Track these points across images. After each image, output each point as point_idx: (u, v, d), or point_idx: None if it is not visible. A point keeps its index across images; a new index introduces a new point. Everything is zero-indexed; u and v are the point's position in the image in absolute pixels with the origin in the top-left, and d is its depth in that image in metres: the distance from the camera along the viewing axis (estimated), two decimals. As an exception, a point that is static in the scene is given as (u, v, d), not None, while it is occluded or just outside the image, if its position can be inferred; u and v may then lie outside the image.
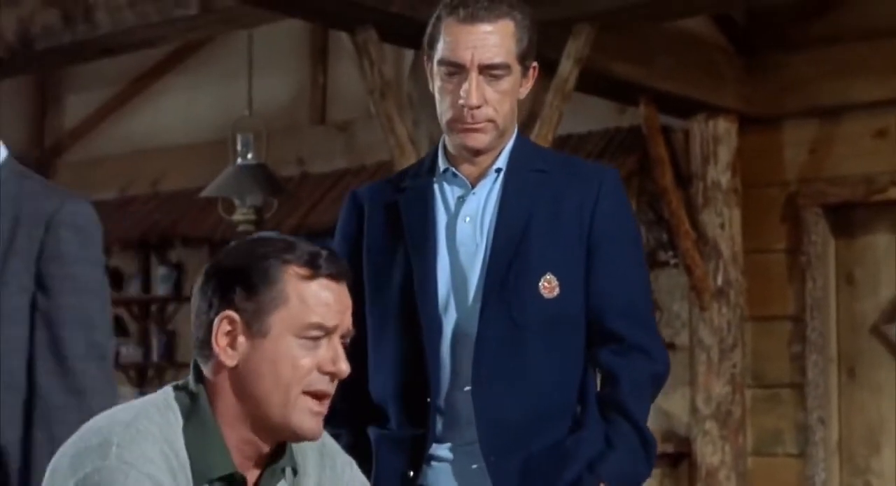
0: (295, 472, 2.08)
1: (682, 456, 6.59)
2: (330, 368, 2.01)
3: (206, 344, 2.01)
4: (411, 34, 4.49)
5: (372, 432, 2.69)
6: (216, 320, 1.99)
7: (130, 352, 8.76)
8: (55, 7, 6.09)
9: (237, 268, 2.00)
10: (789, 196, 6.52)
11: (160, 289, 8.69)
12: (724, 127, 6.52)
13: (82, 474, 1.90)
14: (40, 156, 9.41)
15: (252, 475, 2.04)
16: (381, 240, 2.71)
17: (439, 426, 2.62)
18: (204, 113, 8.45)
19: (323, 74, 8.23)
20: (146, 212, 8.62)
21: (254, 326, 1.98)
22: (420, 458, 2.61)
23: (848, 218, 6.47)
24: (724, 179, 6.52)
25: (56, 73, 9.13)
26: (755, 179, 6.55)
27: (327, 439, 2.19)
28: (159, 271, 8.69)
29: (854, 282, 6.46)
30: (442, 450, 2.63)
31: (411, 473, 2.61)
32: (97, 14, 5.94)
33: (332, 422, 2.77)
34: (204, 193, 6.76)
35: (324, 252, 2.02)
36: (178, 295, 8.59)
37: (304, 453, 2.11)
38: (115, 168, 8.99)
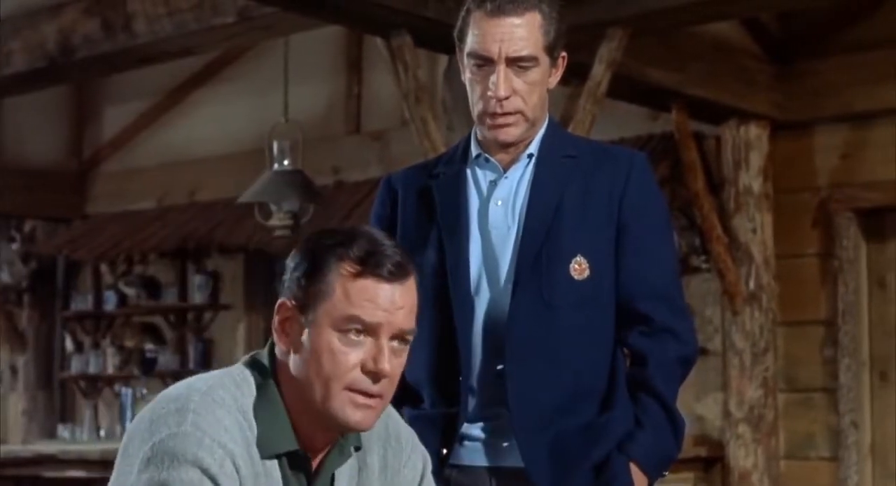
0: (357, 448, 2.13)
1: (715, 460, 6.60)
2: (370, 367, 2.01)
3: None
4: (446, 39, 4.53)
5: (407, 412, 2.71)
6: (277, 305, 2.06)
7: (167, 360, 8.83)
8: (96, 16, 6.17)
9: (302, 259, 2.06)
10: (821, 201, 6.54)
11: (196, 297, 8.77)
12: (756, 133, 6.55)
13: (158, 438, 1.96)
14: (79, 166, 9.52)
15: (321, 453, 2.09)
16: (414, 224, 2.76)
17: (471, 404, 2.66)
18: (239, 124, 8.52)
19: (357, 84, 8.29)
20: (183, 221, 8.69)
21: (305, 314, 2.03)
22: (453, 436, 2.65)
23: (879, 222, 6.48)
24: (756, 184, 6.55)
25: (94, 84, 9.23)
26: (787, 184, 6.57)
27: (392, 412, 2.23)
28: (196, 280, 8.77)
29: (886, 286, 6.47)
30: (474, 429, 2.67)
31: (445, 451, 2.65)
32: (136, 23, 6.01)
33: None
34: (241, 199, 6.82)
35: (383, 251, 2.03)
36: (215, 303, 8.68)
37: (369, 433, 2.14)
38: (153, 178, 9.08)
